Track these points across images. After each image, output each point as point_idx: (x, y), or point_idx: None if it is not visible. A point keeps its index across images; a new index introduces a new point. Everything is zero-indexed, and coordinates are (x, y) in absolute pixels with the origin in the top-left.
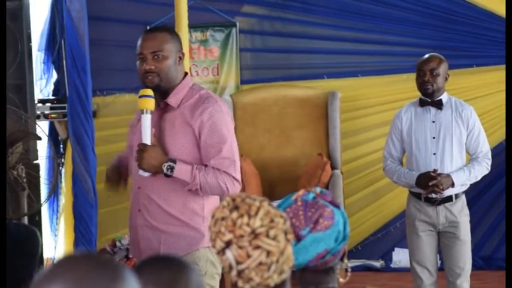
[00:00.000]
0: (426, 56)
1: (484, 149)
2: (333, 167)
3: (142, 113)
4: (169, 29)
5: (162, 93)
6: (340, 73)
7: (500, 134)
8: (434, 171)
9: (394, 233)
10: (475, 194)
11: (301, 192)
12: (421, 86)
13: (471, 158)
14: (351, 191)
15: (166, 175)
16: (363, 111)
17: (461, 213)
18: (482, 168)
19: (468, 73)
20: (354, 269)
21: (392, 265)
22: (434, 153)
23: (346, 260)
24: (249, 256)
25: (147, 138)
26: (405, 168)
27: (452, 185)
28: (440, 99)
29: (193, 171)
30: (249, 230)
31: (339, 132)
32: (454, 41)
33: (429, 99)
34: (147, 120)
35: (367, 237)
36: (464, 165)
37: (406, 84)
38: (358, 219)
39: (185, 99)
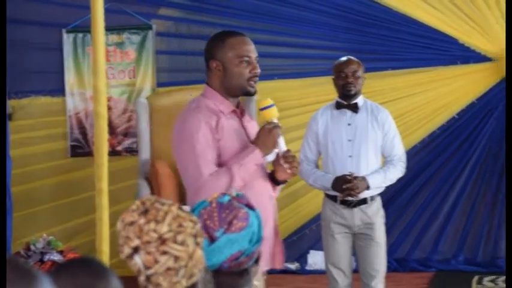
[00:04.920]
0: (344, 58)
1: (399, 151)
2: None
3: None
4: None
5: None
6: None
7: (415, 137)
8: (350, 174)
9: (310, 235)
10: (390, 195)
11: (216, 194)
12: (343, 87)
13: (386, 160)
14: None
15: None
16: (280, 114)
17: (376, 215)
18: (397, 171)
19: (383, 76)
20: (269, 271)
21: (307, 267)
22: (350, 156)
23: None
24: (156, 261)
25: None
26: (321, 171)
27: (368, 187)
28: (356, 103)
29: None
30: (156, 236)
31: None
32: (369, 44)
33: (349, 101)
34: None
35: (283, 239)
36: (379, 168)
37: (322, 87)
38: None
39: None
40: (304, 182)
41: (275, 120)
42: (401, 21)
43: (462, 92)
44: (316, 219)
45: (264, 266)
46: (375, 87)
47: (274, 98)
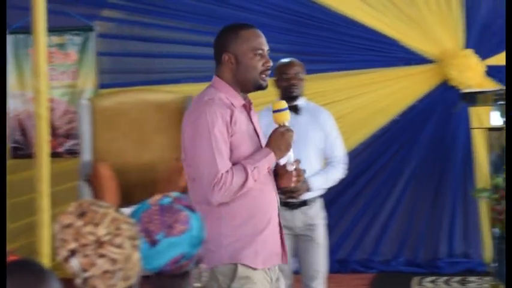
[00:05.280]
0: (286, 60)
1: (340, 153)
2: None
3: (280, 126)
4: None
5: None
6: (198, 78)
7: (357, 138)
8: None
9: None
10: (332, 197)
11: (157, 196)
12: (287, 89)
13: (327, 162)
14: None
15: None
16: None
17: (317, 216)
18: (338, 172)
19: (325, 78)
20: None
21: None
22: None
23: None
24: (93, 264)
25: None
26: None
27: (309, 189)
28: (297, 104)
29: None
30: (94, 238)
31: None
32: (310, 46)
33: (291, 103)
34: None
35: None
36: (321, 170)
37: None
38: None
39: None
40: None
41: (286, 124)
42: (342, 23)
43: (403, 94)
44: None
45: (275, 263)
46: (317, 89)
47: None
